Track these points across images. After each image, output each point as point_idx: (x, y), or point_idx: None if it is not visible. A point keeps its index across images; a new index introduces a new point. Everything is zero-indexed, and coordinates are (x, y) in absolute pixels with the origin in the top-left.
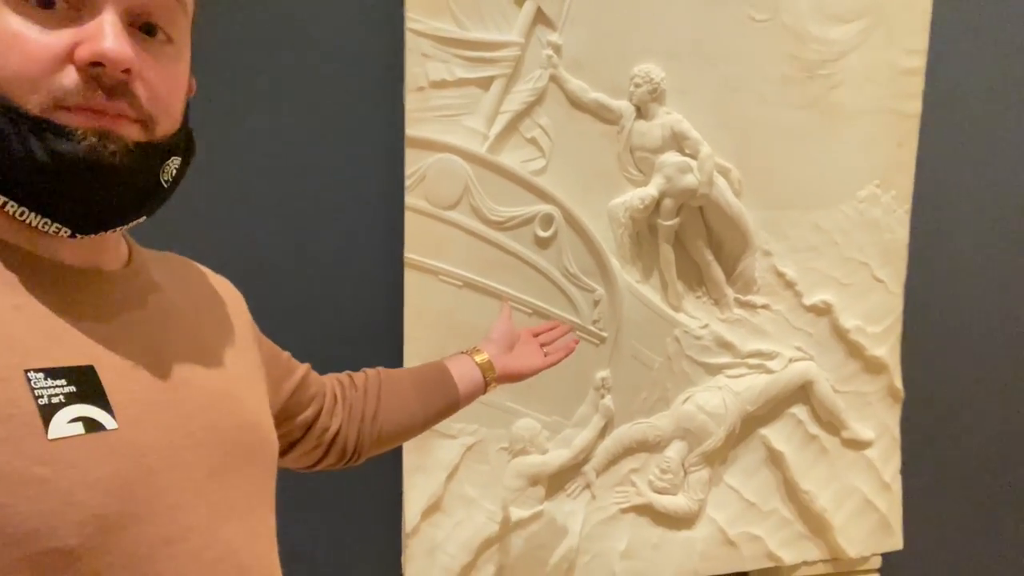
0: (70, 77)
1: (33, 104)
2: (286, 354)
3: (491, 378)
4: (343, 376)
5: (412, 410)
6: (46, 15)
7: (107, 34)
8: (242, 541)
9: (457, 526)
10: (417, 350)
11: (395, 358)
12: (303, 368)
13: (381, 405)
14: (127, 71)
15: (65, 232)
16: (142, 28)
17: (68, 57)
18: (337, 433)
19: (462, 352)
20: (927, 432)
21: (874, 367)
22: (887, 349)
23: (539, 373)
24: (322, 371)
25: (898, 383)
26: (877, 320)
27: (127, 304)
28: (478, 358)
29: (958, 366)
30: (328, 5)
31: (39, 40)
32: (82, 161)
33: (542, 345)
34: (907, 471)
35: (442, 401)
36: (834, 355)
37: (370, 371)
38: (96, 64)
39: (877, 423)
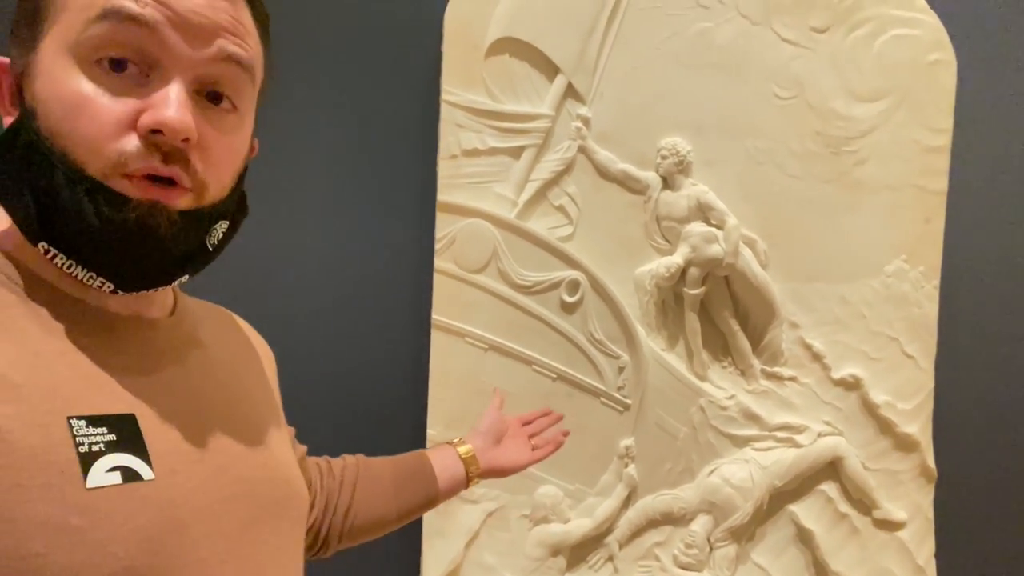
0: (132, 143)
1: (94, 168)
2: (292, 429)
3: (474, 473)
4: (322, 461)
5: (387, 505)
6: (117, 80)
7: (171, 103)
8: None
9: None
10: (442, 410)
11: (419, 418)
12: (302, 450)
13: (355, 498)
14: (186, 140)
15: (108, 287)
16: (208, 95)
17: (132, 124)
18: (312, 524)
19: (447, 443)
20: (963, 515)
21: (905, 444)
22: (919, 426)
23: (525, 470)
24: (346, 430)
25: (931, 462)
26: (908, 396)
27: (169, 354)
28: (462, 451)
29: (993, 445)
30: (368, 75)
31: (108, 106)
32: (129, 229)
33: (531, 436)
34: (942, 555)
35: (419, 497)
36: (864, 431)
37: (349, 459)
38: (157, 131)
39: (909, 503)
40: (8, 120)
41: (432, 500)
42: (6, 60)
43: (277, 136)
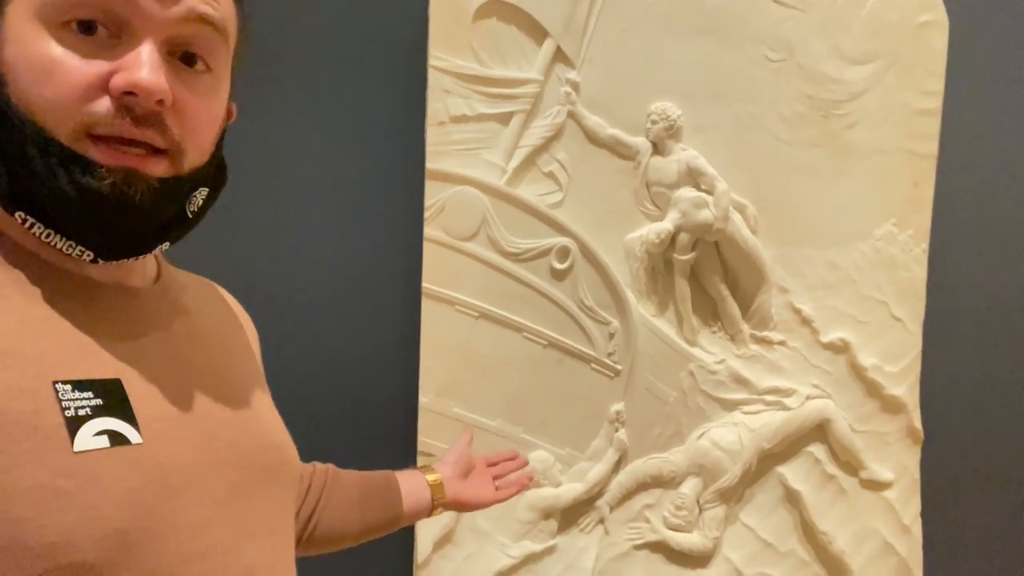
0: (103, 105)
1: (64, 132)
2: None
3: (439, 501)
4: None
5: (350, 518)
6: (87, 42)
7: (143, 64)
8: (263, 561)
9: (468, 559)
10: (432, 378)
11: (411, 387)
12: None
13: (320, 504)
14: (160, 102)
15: (88, 256)
16: (182, 58)
17: (103, 86)
18: None
19: (416, 468)
20: (948, 475)
21: (892, 407)
22: (906, 389)
23: (486, 508)
24: (337, 399)
25: (917, 424)
26: (895, 359)
27: (154, 321)
28: (430, 478)
29: (980, 407)
30: (354, 41)
31: (78, 68)
32: (105, 198)
33: (495, 477)
34: (927, 515)
35: (383, 515)
36: (852, 394)
37: (319, 466)
38: (129, 93)
39: (896, 464)
40: None
41: (394, 521)
42: None
43: (263, 105)
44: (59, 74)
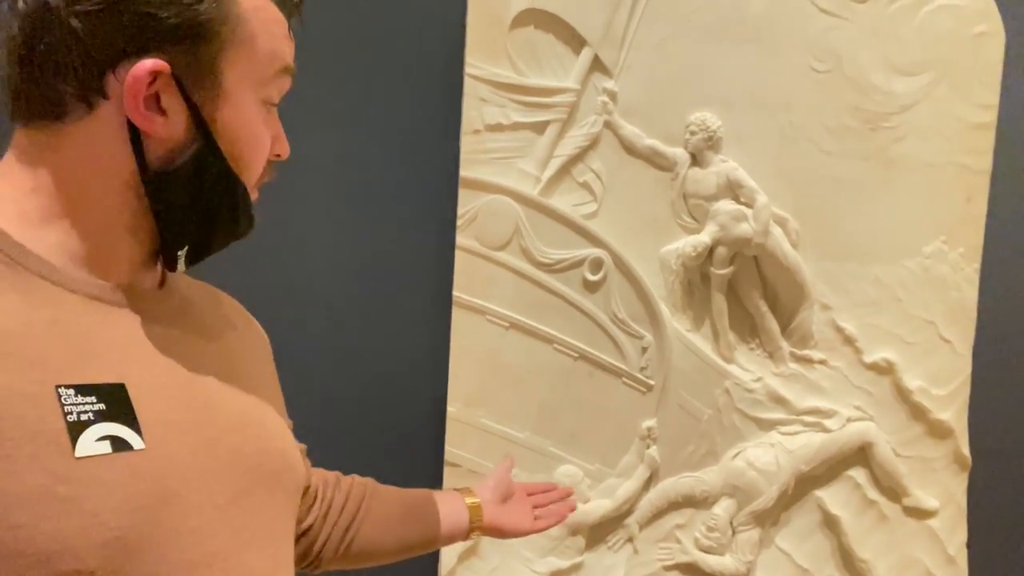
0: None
1: (251, 185)
2: (291, 423)
3: (477, 524)
4: (330, 474)
5: (387, 533)
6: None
7: (283, 136)
8: (264, 568)
9: (493, 572)
10: (462, 388)
11: (439, 396)
12: (300, 447)
13: (359, 516)
14: None
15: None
16: None
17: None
18: (308, 530)
19: (455, 489)
20: (996, 504)
21: (939, 431)
22: (953, 413)
23: (524, 537)
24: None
25: (965, 450)
26: (943, 382)
27: (160, 324)
28: (469, 500)
29: None
30: (390, 48)
31: (265, 138)
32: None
33: (535, 507)
34: (974, 545)
35: (421, 534)
36: (896, 417)
37: (359, 479)
38: (277, 156)
39: (942, 491)
40: (147, 124)
41: (431, 541)
42: (167, 65)
43: (299, 111)
44: (262, 145)
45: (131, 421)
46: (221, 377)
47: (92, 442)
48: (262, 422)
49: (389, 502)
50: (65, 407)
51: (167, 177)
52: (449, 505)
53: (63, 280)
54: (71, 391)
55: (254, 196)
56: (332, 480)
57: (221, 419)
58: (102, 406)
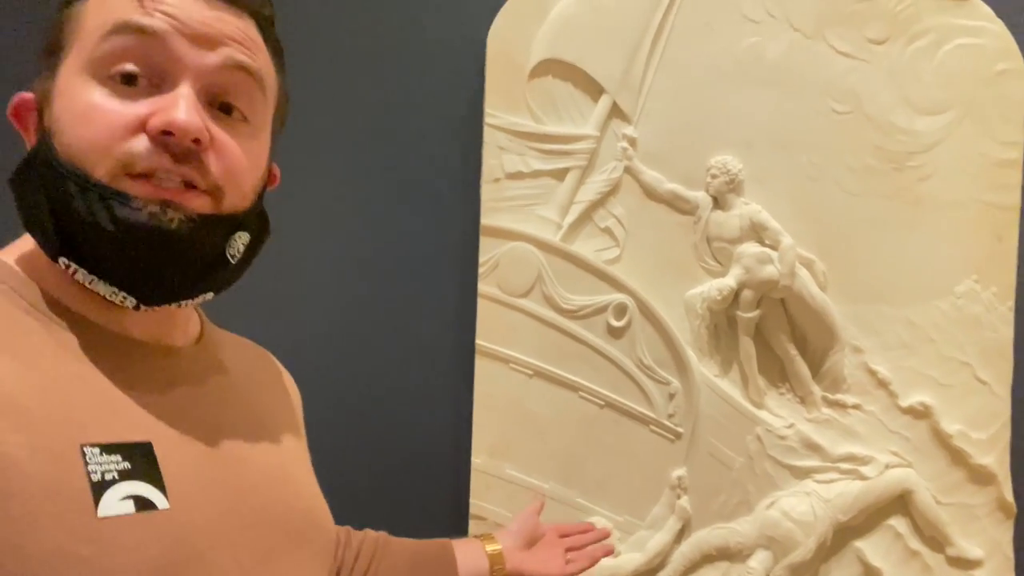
0: (141, 144)
1: (103, 171)
2: None
3: (498, 571)
4: (341, 530)
5: None
6: (129, 91)
7: (179, 106)
8: None
9: None
10: (486, 438)
11: (464, 447)
12: None
13: (369, 574)
14: (196, 141)
15: (131, 303)
16: (220, 107)
17: (141, 126)
18: None
19: (476, 536)
20: None
21: (981, 477)
22: (995, 458)
23: None
24: (388, 458)
25: (1009, 496)
26: (982, 426)
27: (188, 380)
28: (489, 548)
29: None
30: (411, 98)
31: (117, 111)
32: (143, 227)
33: (569, 549)
34: None
35: None
36: (935, 462)
37: (370, 533)
38: (167, 133)
39: (986, 540)
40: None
41: None
42: (30, 95)
43: (319, 158)
44: (99, 116)
45: (156, 480)
46: (250, 433)
47: (115, 502)
48: (289, 480)
49: (400, 555)
50: (89, 466)
51: (16, 186)
52: (465, 553)
53: (93, 337)
54: (96, 450)
55: (136, 188)
56: (344, 538)
57: (247, 477)
58: (127, 465)
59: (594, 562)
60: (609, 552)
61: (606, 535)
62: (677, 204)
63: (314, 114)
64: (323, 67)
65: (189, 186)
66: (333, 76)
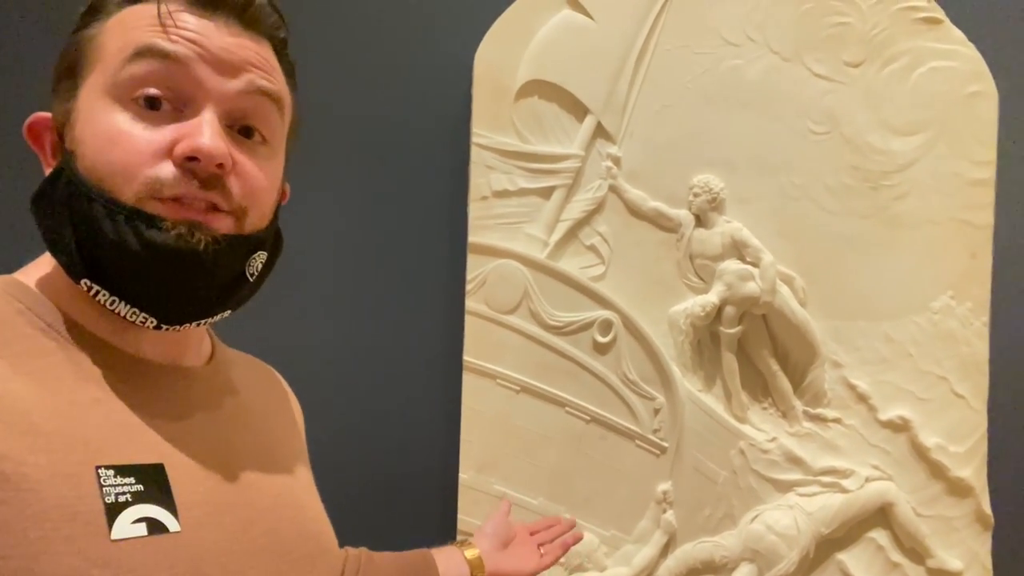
0: (167, 170)
1: (128, 195)
2: None
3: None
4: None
5: None
6: (152, 116)
7: (204, 132)
8: None
9: None
10: (473, 453)
11: (451, 463)
12: None
13: None
14: (220, 165)
15: (151, 323)
16: (241, 131)
17: (167, 152)
18: None
19: (453, 544)
20: (1022, 563)
21: (959, 490)
22: (972, 470)
23: None
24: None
25: (987, 508)
26: (960, 439)
27: (204, 402)
28: (468, 554)
29: None
30: (399, 120)
31: (143, 135)
32: (171, 249)
33: (539, 544)
34: None
35: None
36: (914, 475)
37: (352, 551)
38: (192, 159)
39: (965, 551)
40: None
41: None
42: (48, 115)
43: (310, 182)
44: (125, 141)
45: (168, 503)
46: (261, 455)
47: (128, 524)
48: (300, 504)
49: (385, 570)
50: (104, 488)
51: (38, 208)
52: (447, 563)
53: (109, 359)
54: (111, 472)
55: (164, 210)
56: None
57: (258, 500)
58: (140, 487)
59: (566, 549)
60: (579, 539)
61: (572, 525)
62: (660, 222)
63: (304, 135)
64: (313, 89)
65: (213, 208)
66: (323, 98)
